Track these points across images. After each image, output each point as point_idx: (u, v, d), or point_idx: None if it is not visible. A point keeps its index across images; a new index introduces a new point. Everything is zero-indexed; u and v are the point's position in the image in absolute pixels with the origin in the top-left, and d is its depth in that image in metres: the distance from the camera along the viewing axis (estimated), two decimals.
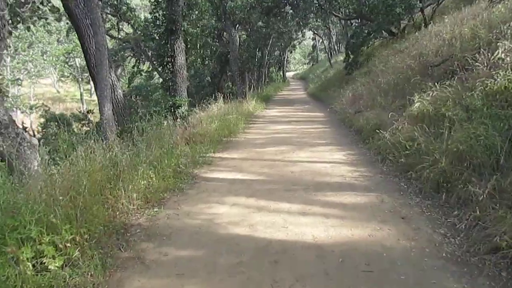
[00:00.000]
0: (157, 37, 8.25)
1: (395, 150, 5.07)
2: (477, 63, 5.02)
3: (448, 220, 3.29)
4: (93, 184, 3.82)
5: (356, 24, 23.76)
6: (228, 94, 13.25)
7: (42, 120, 18.76)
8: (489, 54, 4.94)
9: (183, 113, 8.23)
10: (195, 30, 8.54)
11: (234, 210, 3.98)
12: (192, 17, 9.06)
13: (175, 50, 7.86)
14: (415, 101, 5.86)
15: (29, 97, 31.43)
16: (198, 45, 10.77)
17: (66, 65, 34.92)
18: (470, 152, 3.75)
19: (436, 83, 5.98)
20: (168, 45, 7.90)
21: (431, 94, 5.49)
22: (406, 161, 4.71)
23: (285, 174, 5.25)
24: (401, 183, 4.43)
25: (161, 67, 8.11)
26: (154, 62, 14.93)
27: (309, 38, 46.66)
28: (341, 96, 13.23)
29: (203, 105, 11.62)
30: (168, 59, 7.96)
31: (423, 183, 4.06)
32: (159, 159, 5.33)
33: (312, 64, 51.66)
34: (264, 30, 21.07)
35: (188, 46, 9.60)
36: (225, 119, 9.78)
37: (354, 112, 10.02)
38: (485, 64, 4.89)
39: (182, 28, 7.73)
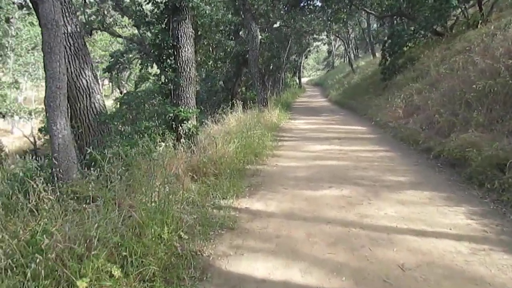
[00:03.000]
0: (154, 21, 5.62)
1: None
2: None
3: None
4: None
5: (385, 23, 21.25)
6: (247, 101, 10.67)
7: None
8: None
9: (190, 129, 5.65)
10: (209, 8, 5.82)
11: None
12: None
13: (180, 38, 5.28)
14: None
15: (31, 101, 29.51)
16: (212, 34, 8.00)
17: None
18: None
19: None
20: (170, 31, 5.33)
21: None
22: None
23: (390, 273, 2.57)
24: None
25: (160, 63, 5.53)
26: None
27: (324, 43, 44.51)
28: (387, 106, 10.64)
29: (217, 115, 9.10)
30: (170, 51, 5.37)
31: None
32: (139, 229, 2.79)
33: (328, 70, 49.37)
34: (284, 29, 18.67)
35: (199, 33, 6.91)
36: (247, 136, 7.17)
37: (422, 129, 7.42)
38: None
39: (191, 4, 5.13)
